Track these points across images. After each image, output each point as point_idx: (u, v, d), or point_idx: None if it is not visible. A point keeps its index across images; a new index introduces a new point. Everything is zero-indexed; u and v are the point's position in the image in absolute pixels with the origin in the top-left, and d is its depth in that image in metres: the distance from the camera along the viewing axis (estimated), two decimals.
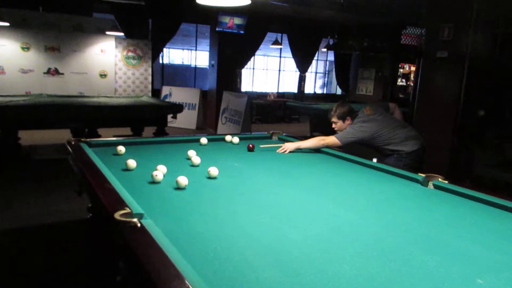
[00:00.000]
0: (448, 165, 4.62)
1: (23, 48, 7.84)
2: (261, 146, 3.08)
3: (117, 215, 1.42)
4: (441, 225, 1.64)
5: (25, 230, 3.50)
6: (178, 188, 1.95)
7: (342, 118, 3.28)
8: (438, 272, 1.22)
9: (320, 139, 3.09)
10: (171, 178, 2.02)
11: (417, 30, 9.65)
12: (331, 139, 3.09)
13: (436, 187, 2.13)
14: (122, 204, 1.55)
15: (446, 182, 2.12)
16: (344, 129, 3.25)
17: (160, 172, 2.07)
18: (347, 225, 1.60)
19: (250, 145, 2.97)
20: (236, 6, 2.59)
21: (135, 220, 1.39)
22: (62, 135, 4.17)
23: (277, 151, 2.98)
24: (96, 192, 1.73)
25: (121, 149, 2.64)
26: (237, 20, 7.99)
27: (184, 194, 1.88)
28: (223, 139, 3.33)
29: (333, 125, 3.36)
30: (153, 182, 2.03)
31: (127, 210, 1.47)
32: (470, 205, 1.90)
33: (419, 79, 5.29)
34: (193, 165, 2.42)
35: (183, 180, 1.95)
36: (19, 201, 4.09)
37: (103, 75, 8.48)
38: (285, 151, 2.96)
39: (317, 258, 1.27)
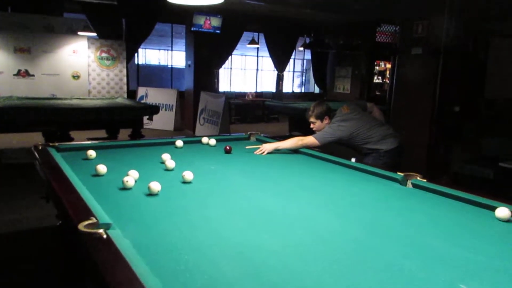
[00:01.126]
0: (426, 162, 4.65)
1: None
2: (246, 147, 3.02)
3: (81, 226, 1.32)
4: (421, 226, 1.60)
5: None
6: (150, 194, 1.86)
7: (320, 117, 3.25)
8: (419, 277, 1.18)
9: (299, 139, 3.04)
10: (144, 184, 1.92)
11: (391, 28, 9.77)
12: (309, 139, 3.05)
13: (415, 186, 2.11)
14: (88, 213, 1.46)
15: (425, 180, 2.10)
16: (322, 128, 3.22)
17: (131, 177, 1.97)
18: (325, 230, 1.54)
19: (227, 147, 2.90)
20: (208, 4, 2.51)
21: (100, 231, 1.30)
22: (35, 139, 4.00)
23: (255, 152, 2.92)
24: (61, 201, 1.63)
25: (92, 153, 2.53)
26: (214, 22, 7.88)
27: (156, 201, 1.80)
28: (200, 141, 3.24)
29: (312, 125, 3.32)
30: (124, 188, 1.93)
31: (93, 220, 1.37)
32: (449, 204, 1.88)
33: (394, 77, 5.32)
34: (167, 169, 2.33)
35: (155, 186, 1.86)
36: None
37: (76, 77, 8.24)
38: (263, 152, 2.90)
39: (295, 268, 1.21)
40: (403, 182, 2.16)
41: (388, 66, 11.99)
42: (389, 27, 10.03)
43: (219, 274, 1.15)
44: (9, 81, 7.73)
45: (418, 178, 2.14)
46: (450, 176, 4.46)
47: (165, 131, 8.81)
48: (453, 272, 1.21)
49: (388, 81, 11.34)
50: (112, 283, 1.02)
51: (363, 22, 9.79)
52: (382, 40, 10.68)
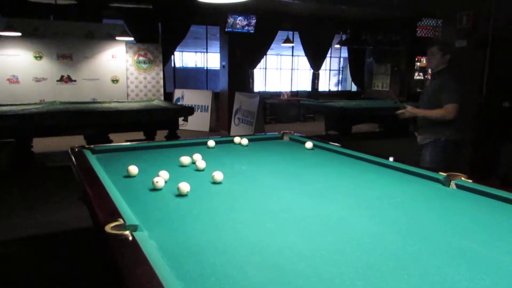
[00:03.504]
0: (470, 161, 4.37)
1: (36, 57, 7.91)
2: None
3: (108, 228, 1.31)
4: (466, 231, 1.47)
5: (36, 238, 3.45)
6: (180, 195, 1.83)
7: (444, 51, 2.96)
8: (463, 286, 1.07)
9: (442, 115, 2.89)
10: (174, 185, 1.90)
11: (433, 22, 9.36)
12: (450, 108, 2.86)
13: (459, 187, 1.96)
14: (116, 214, 1.45)
15: (470, 181, 1.95)
16: (437, 64, 2.98)
17: (161, 178, 1.96)
18: (360, 233, 1.45)
19: None
20: (236, 2, 2.47)
21: (126, 232, 1.28)
22: (77, 142, 4.12)
23: (397, 113, 3.10)
24: (91, 202, 1.63)
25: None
26: (248, 22, 7.85)
27: (185, 202, 1.77)
28: (232, 141, 3.21)
29: (429, 57, 3.07)
30: (154, 189, 1.92)
31: (120, 222, 1.36)
32: (498, 207, 1.72)
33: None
34: (198, 170, 2.31)
35: (184, 187, 1.84)
36: (32, 208, 4.06)
37: (115, 81, 8.49)
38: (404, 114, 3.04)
39: (325, 273, 1.13)
40: (445, 183, 2.02)
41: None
42: (430, 21, 9.62)
43: (246, 279, 1.10)
44: (53, 86, 8.08)
45: (462, 178, 1.99)
46: (498, 177, 4.17)
47: (200, 132, 8.89)
48: (502, 281, 1.09)
49: (430, 77, 10.88)
50: (133, 285, 0.99)
51: (403, 17, 9.45)
52: (423, 35, 10.27)
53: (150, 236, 1.34)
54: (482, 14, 4.19)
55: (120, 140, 3.87)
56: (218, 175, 2.05)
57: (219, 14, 8.24)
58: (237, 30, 7.81)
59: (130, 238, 1.26)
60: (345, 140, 7.31)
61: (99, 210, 1.51)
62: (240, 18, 7.78)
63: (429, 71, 11.37)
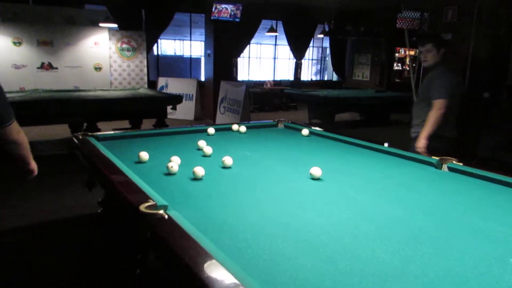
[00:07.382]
0: (452, 149, 4.62)
1: (14, 43, 7.70)
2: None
3: (142, 208, 1.40)
4: (463, 208, 1.64)
5: (33, 227, 3.47)
6: (195, 178, 1.93)
7: (438, 46, 2.88)
8: (470, 253, 1.23)
9: (435, 115, 2.83)
10: (186, 169, 2.01)
11: (413, 14, 9.60)
12: (439, 103, 2.82)
13: (451, 169, 2.14)
14: (144, 196, 1.54)
15: (461, 164, 2.13)
16: (433, 62, 2.91)
17: (175, 163, 2.05)
18: (370, 210, 1.60)
19: None
20: None
21: (161, 212, 1.38)
22: (60, 131, 4.09)
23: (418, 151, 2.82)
24: (116, 186, 1.71)
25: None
26: (233, 10, 7.88)
27: (202, 185, 1.87)
28: (230, 129, 3.30)
29: (424, 55, 2.96)
30: (169, 173, 2.01)
31: (152, 202, 1.45)
32: (489, 187, 1.91)
33: (422, 64, 5.24)
34: (205, 156, 2.40)
35: (199, 171, 1.94)
36: (23, 198, 4.05)
37: (97, 68, 8.37)
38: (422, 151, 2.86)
39: (348, 244, 1.27)
40: (438, 166, 2.19)
41: (411, 52, 11.80)
42: (410, 13, 9.85)
43: (278, 250, 1.22)
44: (33, 74, 7.88)
45: (454, 162, 2.17)
46: (478, 162, 4.43)
47: (185, 121, 8.91)
48: (502, 248, 1.26)
49: (408, 68, 11.19)
50: (184, 256, 1.09)
51: (385, 8, 9.64)
52: (402, 26, 10.49)
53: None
54: (467, 9, 4.38)
55: (106, 129, 3.90)
56: (228, 160, 2.16)
57: (204, 2, 8.23)
58: (223, 19, 7.82)
59: (166, 216, 1.36)
60: (329, 128, 7.51)
61: (128, 193, 1.59)
62: (226, 6, 7.79)
63: (407, 62, 11.67)
